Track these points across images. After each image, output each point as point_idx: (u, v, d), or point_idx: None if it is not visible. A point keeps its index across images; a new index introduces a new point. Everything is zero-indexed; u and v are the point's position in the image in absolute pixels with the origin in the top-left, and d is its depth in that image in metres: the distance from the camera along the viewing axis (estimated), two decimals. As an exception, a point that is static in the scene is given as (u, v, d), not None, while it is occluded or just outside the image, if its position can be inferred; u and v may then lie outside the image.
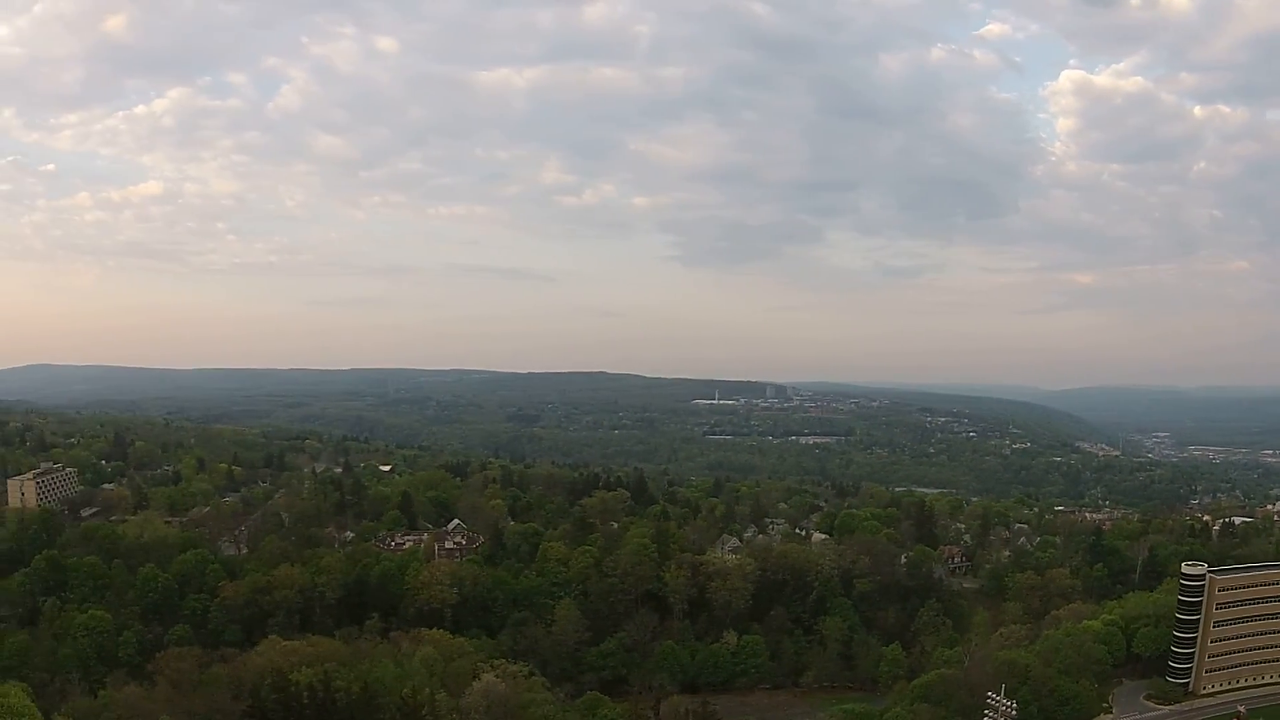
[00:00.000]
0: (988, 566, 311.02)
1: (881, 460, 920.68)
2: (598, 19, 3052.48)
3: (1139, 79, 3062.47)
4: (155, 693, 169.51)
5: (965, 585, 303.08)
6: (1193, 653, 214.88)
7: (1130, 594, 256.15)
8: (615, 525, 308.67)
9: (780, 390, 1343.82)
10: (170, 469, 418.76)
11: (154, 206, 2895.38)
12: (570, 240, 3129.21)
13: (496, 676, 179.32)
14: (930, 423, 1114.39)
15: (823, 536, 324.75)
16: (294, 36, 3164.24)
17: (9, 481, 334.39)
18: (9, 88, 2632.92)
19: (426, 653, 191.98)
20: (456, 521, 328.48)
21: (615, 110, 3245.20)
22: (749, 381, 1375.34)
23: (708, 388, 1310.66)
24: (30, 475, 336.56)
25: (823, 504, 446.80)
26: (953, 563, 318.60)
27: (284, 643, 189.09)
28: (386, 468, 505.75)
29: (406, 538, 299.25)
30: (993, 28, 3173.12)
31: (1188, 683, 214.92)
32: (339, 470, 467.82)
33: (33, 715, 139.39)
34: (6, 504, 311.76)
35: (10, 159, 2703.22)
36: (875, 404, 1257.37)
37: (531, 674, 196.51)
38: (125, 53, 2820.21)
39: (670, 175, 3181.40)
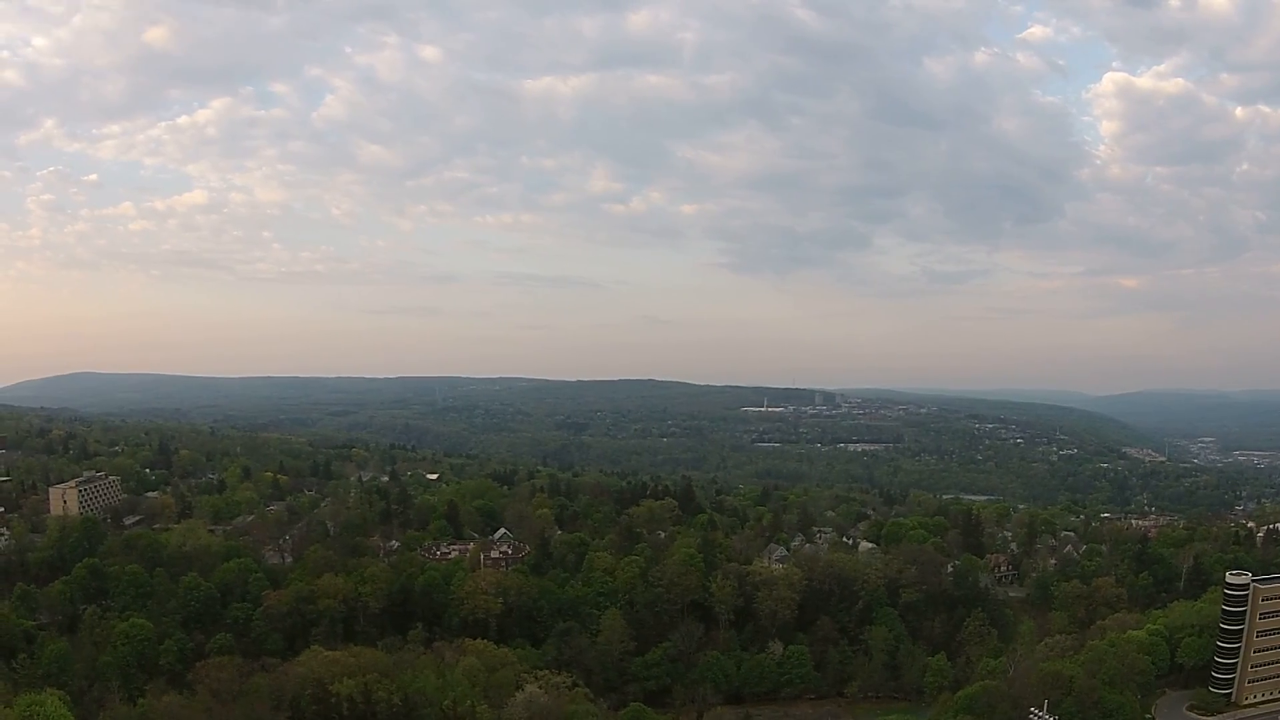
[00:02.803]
0: (1034, 575, 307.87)
1: (929, 467, 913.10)
2: (642, 26, 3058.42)
3: (1180, 80, 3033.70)
4: (195, 701, 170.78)
5: (1011, 594, 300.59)
6: (1236, 663, 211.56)
7: (1175, 603, 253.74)
8: (662, 535, 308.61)
9: (829, 397, 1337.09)
10: (215, 477, 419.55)
11: (199, 215, 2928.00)
12: (618, 248, 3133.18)
13: (540, 687, 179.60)
14: (978, 429, 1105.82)
15: (870, 545, 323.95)
16: (337, 46, 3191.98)
17: (51, 489, 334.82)
18: (50, 98, 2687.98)
19: (469, 663, 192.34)
20: (503, 531, 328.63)
21: (662, 117, 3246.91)
22: (798, 389, 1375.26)
23: (756, 395, 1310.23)
24: (73, 483, 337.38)
25: (870, 512, 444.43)
26: (999, 571, 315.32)
27: (326, 653, 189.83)
28: (433, 476, 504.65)
29: (452, 547, 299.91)
30: (1035, 30, 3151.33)
31: (1231, 693, 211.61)
32: (385, 479, 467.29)
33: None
34: (49, 512, 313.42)
35: (52, 169, 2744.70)
36: (923, 411, 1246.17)
37: (575, 684, 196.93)
38: (167, 63, 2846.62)
39: (719, 182, 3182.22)
